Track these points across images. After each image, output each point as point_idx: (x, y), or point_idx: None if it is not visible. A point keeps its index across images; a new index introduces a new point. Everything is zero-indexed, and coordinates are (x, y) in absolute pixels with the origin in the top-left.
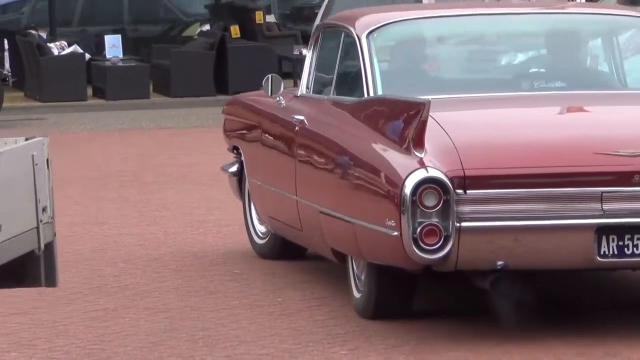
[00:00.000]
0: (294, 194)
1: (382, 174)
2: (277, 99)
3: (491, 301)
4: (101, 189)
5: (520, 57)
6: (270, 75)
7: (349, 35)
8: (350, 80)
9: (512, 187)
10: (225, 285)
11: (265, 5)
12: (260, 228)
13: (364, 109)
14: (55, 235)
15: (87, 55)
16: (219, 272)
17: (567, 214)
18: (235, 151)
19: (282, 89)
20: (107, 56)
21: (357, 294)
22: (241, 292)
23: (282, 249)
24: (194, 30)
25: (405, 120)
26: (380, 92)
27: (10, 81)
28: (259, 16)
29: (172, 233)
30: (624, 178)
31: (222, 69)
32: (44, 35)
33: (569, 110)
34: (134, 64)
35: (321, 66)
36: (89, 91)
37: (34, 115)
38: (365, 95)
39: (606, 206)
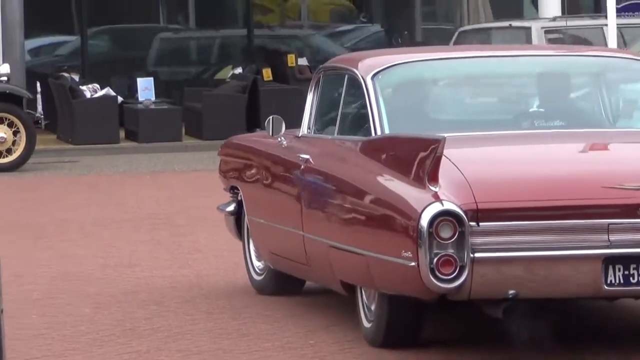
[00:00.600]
0: (300, 230)
1: (398, 208)
2: (279, 139)
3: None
4: (134, 231)
5: (520, 98)
6: (271, 117)
7: (352, 77)
8: (356, 121)
9: (522, 219)
10: (257, 328)
11: (297, 48)
12: (258, 264)
13: (374, 147)
14: (2, 311)
15: (120, 98)
16: (250, 314)
17: (575, 244)
18: (232, 191)
19: (283, 130)
20: (140, 99)
21: (367, 324)
22: (273, 335)
23: (278, 284)
24: (227, 73)
25: (420, 156)
26: (387, 131)
27: (43, 124)
28: (290, 59)
29: (204, 275)
30: (629, 210)
31: (254, 112)
32: (76, 78)
33: (572, 147)
34: (166, 107)
35: (323, 107)
36: (121, 134)
37: (67, 157)
38: (373, 134)
39: (612, 237)
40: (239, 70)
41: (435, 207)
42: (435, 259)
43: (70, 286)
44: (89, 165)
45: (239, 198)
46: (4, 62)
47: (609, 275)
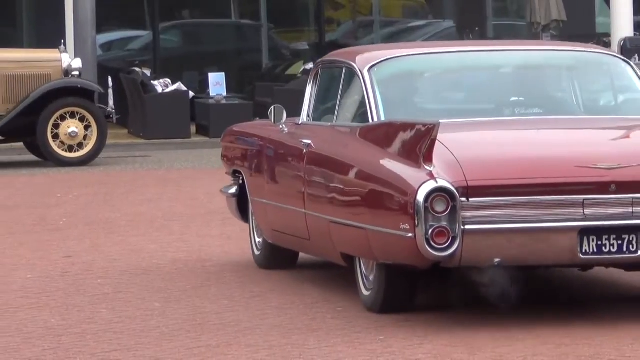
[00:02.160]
0: (303, 208)
1: (396, 186)
2: (280, 126)
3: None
4: (204, 226)
5: (503, 88)
6: (273, 106)
7: (350, 69)
8: (354, 109)
9: (507, 195)
10: (327, 323)
11: (368, 43)
12: (259, 240)
13: (373, 132)
14: None
15: (191, 93)
16: (321, 310)
17: (554, 218)
18: (234, 175)
19: (284, 118)
20: (211, 94)
21: (365, 292)
22: (343, 330)
23: (274, 258)
24: (298, 68)
25: (416, 139)
26: (383, 118)
27: (114, 118)
28: None
29: (274, 271)
30: (602, 187)
31: None
32: (148, 72)
33: (550, 131)
34: (237, 102)
35: (321, 97)
36: (193, 129)
37: (138, 152)
38: (370, 121)
39: (587, 211)
40: (310, 65)
41: (431, 184)
42: (430, 230)
43: (141, 280)
44: (160, 160)
45: (241, 181)
46: (76, 57)
47: (584, 245)
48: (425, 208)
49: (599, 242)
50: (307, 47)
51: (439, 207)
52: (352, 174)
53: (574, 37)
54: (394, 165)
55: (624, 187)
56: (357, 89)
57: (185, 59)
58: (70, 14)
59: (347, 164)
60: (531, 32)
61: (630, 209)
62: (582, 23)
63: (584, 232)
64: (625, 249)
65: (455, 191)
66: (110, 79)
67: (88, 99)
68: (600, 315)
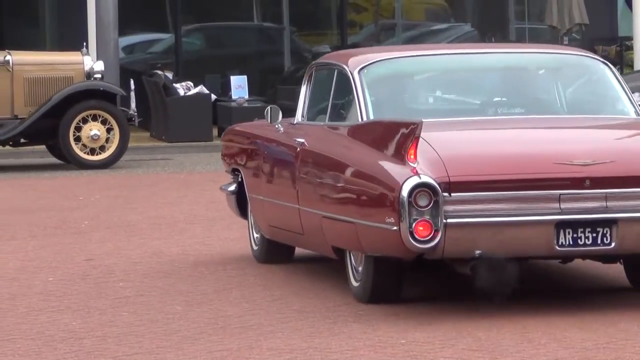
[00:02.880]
0: (296, 204)
1: (382, 181)
2: (276, 126)
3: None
4: (226, 229)
5: (486, 89)
6: (269, 107)
7: (342, 71)
8: (344, 109)
9: (487, 190)
10: (349, 327)
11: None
12: (257, 236)
13: (361, 131)
14: None
15: (213, 96)
16: (343, 313)
17: (532, 211)
18: (233, 173)
19: (280, 118)
20: (233, 97)
21: (355, 283)
22: (365, 333)
23: (271, 253)
24: None
25: (400, 137)
26: (372, 118)
27: (136, 121)
28: None
29: (296, 273)
30: (577, 183)
31: None
32: (170, 75)
33: (530, 130)
34: (259, 105)
35: (315, 98)
36: (215, 132)
37: (160, 155)
38: (360, 120)
39: (563, 205)
40: None
41: (414, 180)
42: (414, 224)
43: (162, 283)
44: (181, 162)
45: (240, 179)
46: (98, 59)
47: (560, 238)
48: (409, 202)
49: (575, 235)
50: (330, 50)
51: (422, 201)
52: (341, 171)
53: (597, 41)
54: (380, 162)
55: (598, 182)
56: (348, 90)
57: (207, 62)
58: (93, 16)
59: (337, 162)
60: (553, 36)
61: (604, 203)
62: (604, 26)
63: (560, 225)
64: (599, 241)
65: (437, 186)
66: (132, 82)
67: (110, 102)
68: (619, 318)
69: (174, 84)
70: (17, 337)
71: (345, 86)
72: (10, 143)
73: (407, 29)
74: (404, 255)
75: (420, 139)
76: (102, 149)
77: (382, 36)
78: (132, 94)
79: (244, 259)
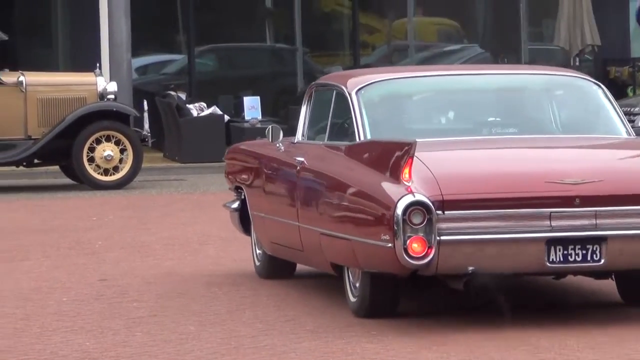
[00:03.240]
0: (296, 221)
1: (378, 199)
2: (277, 145)
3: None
4: (240, 250)
5: (480, 109)
6: (270, 126)
7: (340, 92)
8: (343, 128)
9: (480, 208)
10: (362, 347)
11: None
12: (259, 252)
13: (357, 150)
14: None
15: (226, 117)
16: (355, 333)
17: (523, 229)
18: (237, 190)
19: (281, 137)
20: (246, 118)
21: (352, 299)
22: (378, 354)
23: (273, 269)
24: None
25: (395, 157)
26: (369, 137)
27: (150, 142)
28: None
29: (309, 294)
30: (567, 201)
31: None
32: (183, 96)
33: (522, 149)
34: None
35: (314, 118)
36: None
37: (173, 176)
38: (357, 139)
39: (554, 223)
40: None
41: (408, 198)
42: (408, 241)
43: (176, 304)
44: (195, 183)
45: (242, 196)
46: (111, 80)
47: (551, 254)
48: (404, 220)
49: (565, 252)
50: (342, 70)
51: (416, 219)
52: (338, 190)
53: (609, 62)
54: (375, 181)
55: (587, 200)
56: (346, 110)
57: (220, 83)
58: (106, 37)
59: (334, 180)
60: (565, 57)
61: (593, 221)
62: (616, 48)
63: (551, 242)
64: (589, 258)
65: (431, 204)
66: (145, 103)
67: (123, 123)
68: (627, 337)
69: (187, 105)
70: (31, 357)
71: (343, 106)
72: (24, 164)
73: (419, 50)
74: (398, 271)
75: (415, 158)
76: (116, 169)
77: (395, 57)
78: (146, 115)
79: (257, 280)
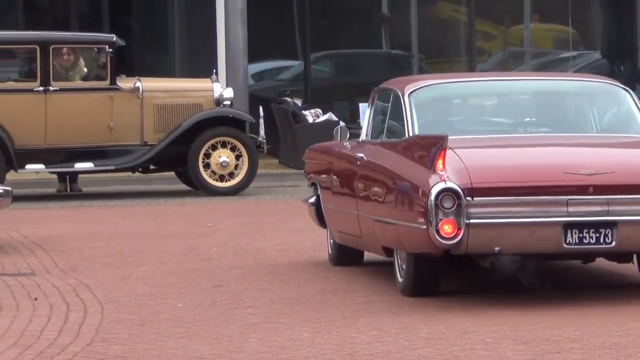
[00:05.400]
0: (356, 210)
1: (417, 187)
2: (345, 144)
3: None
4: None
5: (517, 110)
6: (339, 127)
7: (395, 95)
8: (397, 127)
9: (505, 195)
10: (476, 354)
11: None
12: (331, 242)
13: (403, 146)
14: None
15: (342, 123)
16: (470, 341)
17: (543, 214)
18: (313, 187)
19: (347, 136)
20: (362, 124)
21: (400, 279)
22: None
23: (342, 256)
24: None
25: (431, 150)
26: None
27: (265, 148)
28: None
29: (424, 300)
30: (582, 190)
31: None
32: (299, 102)
33: (547, 145)
34: None
35: (377, 118)
36: None
37: (288, 182)
38: (407, 137)
39: (570, 209)
40: None
41: (440, 185)
42: (440, 223)
43: (290, 310)
44: (310, 190)
45: (318, 192)
46: (227, 86)
47: (568, 237)
48: (436, 205)
49: (580, 235)
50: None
51: (447, 204)
52: (387, 180)
53: None
54: (415, 172)
55: (600, 189)
56: (400, 111)
57: (336, 89)
58: (222, 43)
59: (383, 172)
60: None
61: (606, 208)
62: None
63: (568, 226)
64: (602, 240)
65: (460, 191)
66: (261, 109)
67: (239, 129)
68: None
69: (302, 111)
70: None
71: (397, 108)
72: (140, 169)
73: (535, 56)
74: (432, 250)
75: (452, 151)
76: (231, 175)
77: (511, 64)
78: (261, 121)
79: (372, 286)
